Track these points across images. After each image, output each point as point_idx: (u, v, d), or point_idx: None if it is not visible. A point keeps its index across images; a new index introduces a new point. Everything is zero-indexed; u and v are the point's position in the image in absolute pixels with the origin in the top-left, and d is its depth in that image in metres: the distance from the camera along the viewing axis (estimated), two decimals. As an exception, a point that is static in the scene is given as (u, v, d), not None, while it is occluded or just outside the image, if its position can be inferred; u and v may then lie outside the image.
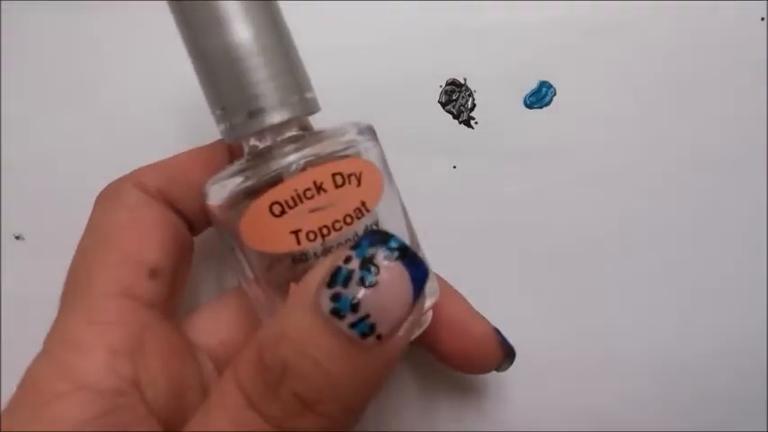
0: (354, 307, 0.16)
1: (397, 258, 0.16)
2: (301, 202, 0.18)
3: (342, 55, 0.28)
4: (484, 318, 0.24)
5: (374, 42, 0.28)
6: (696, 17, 0.28)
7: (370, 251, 0.16)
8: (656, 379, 0.27)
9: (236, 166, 0.19)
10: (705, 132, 0.28)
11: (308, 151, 0.18)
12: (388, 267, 0.16)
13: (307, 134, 0.19)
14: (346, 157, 0.19)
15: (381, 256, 0.16)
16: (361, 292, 0.16)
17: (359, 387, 0.16)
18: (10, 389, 0.19)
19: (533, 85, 0.28)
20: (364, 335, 0.16)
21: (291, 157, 0.18)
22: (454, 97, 0.28)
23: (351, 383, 0.16)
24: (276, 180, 0.18)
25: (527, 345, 0.25)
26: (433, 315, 0.23)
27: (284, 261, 0.19)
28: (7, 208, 0.28)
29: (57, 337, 0.19)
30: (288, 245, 0.18)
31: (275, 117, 0.19)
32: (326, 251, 0.19)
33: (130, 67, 0.28)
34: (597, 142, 0.28)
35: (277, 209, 0.18)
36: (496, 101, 0.28)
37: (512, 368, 0.25)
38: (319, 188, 0.18)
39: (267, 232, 0.18)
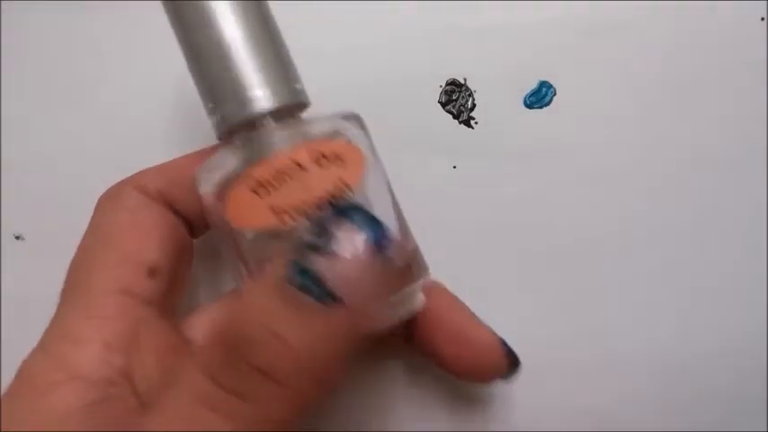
0: (311, 275, 0.16)
1: (351, 222, 0.16)
2: (282, 181, 0.18)
3: (341, 55, 0.28)
4: (489, 328, 0.24)
5: (373, 42, 0.28)
6: (695, 17, 0.28)
7: (325, 219, 0.17)
8: (656, 378, 0.27)
9: (226, 152, 0.19)
10: (705, 132, 0.28)
11: (293, 133, 0.19)
12: (341, 231, 0.16)
13: (293, 121, 0.19)
14: (328, 138, 0.19)
15: (335, 223, 0.16)
16: (317, 260, 0.16)
17: (322, 355, 0.16)
18: (10, 388, 0.19)
19: (533, 85, 0.28)
20: (323, 302, 0.16)
21: (276, 140, 0.19)
22: (454, 97, 0.28)
23: (313, 352, 0.16)
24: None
25: (526, 344, 0.25)
26: (439, 326, 0.24)
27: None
28: (7, 208, 0.28)
29: (53, 332, 0.20)
30: (268, 221, 0.18)
31: (263, 105, 0.19)
32: None
33: (130, 67, 0.28)
34: (597, 142, 0.28)
35: (258, 187, 0.19)
36: (496, 101, 0.28)
37: (512, 368, 0.25)
38: (300, 167, 0.18)
39: (250, 211, 0.19)
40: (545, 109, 0.28)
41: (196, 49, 0.20)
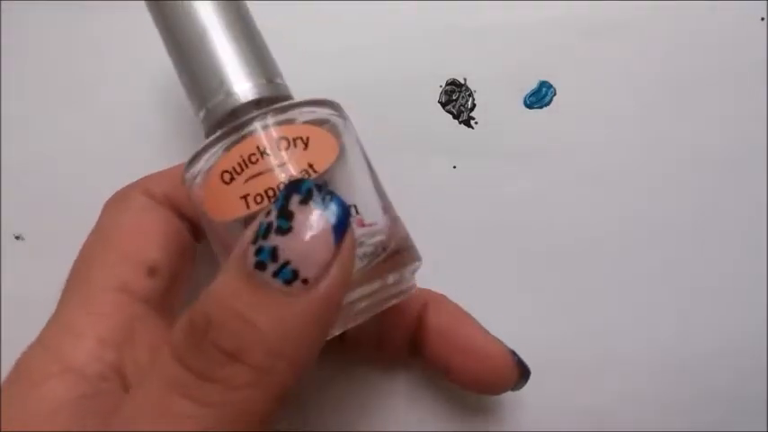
0: (274, 255, 0.16)
1: (310, 200, 0.16)
2: (246, 167, 0.19)
3: (341, 55, 0.28)
4: (498, 340, 0.24)
5: (373, 42, 0.28)
6: (695, 17, 0.28)
7: (285, 199, 0.16)
8: (656, 378, 0.27)
9: (210, 146, 0.20)
10: (705, 132, 0.28)
11: (271, 123, 0.19)
12: (301, 210, 0.16)
13: (273, 112, 0.20)
14: (298, 125, 0.20)
15: (295, 202, 0.16)
16: (278, 240, 0.16)
17: (289, 335, 0.16)
18: (10, 388, 0.19)
19: (533, 85, 0.28)
20: (288, 281, 0.16)
21: (253, 130, 0.19)
22: (454, 97, 0.28)
23: (278, 331, 0.16)
24: None
25: (526, 344, 0.25)
26: (449, 340, 0.24)
27: None
28: (7, 208, 0.28)
29: (51, 326, 0.20)
30: (239, 210, 0.19)
31: (244, 97, 0.20)
32: None
33: (130, 67, 0.28)
34: (597, 142, 0.28)
35: (227, 176, 0.19)
36: (496, 101, 0.28)
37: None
38: (263, 153, 0.19)
39: (222, 200, 0.19)
40: (545, 109, 0.28)
41: (179, 48, 0.21)
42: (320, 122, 0.20)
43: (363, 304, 0.20)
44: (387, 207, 0.21)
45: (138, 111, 0.28)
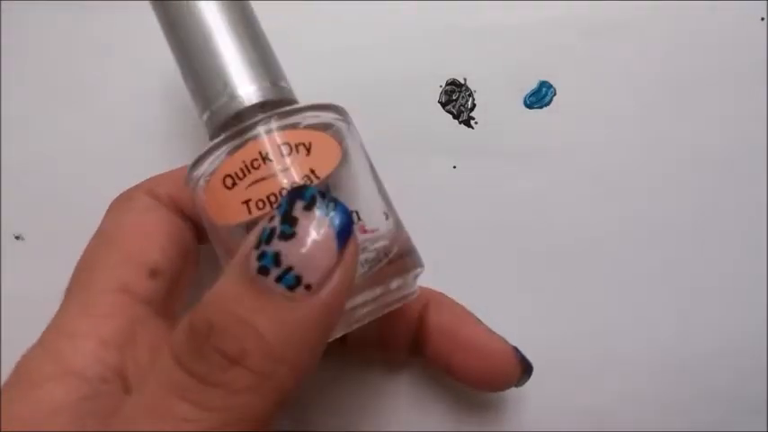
0: (277, 261, 0.16)
1: (314, 206, 0.16)
2: (249, 172, 0.19)
3: (341, 55, 0.28)
4: (501, 337, 0.24)
5: (373, 42, 0.28)
6: (696, 17, 0.28)
7: (288, 205, 0.16)
8: (656, 378, 0.27)
9: (213, 149, 0.20)
10: (705, 132, 0.28)
11: (274, 127, 0.19)
12: (304, 216, 0.16)
13: (277, 116, 0.20)
14: (302, 130, 0.19)
15: (299, 208, 0.16)
16: (282, 245, 0.16)
17: (290, 339, 0.16)
18: (10, 389, 0.19)
19: (533, 85, 0.28)
20: (291, 287, 0.16)
21: (257, 135, 0.19)
22: (454, 97, 0.28)
23: (280, 336, 0.16)
24: None
25: (526, 344, 0.25)
26: (452, 339, 0.24)
27: None
28: (7, 208, 0.28)
29: (52, 328, 0.20)
30: (241, 215, 0.19)
31: (248, 101, 0.20)
32: None
33: (130, 67, 0.28)
34: (597, 142, 0.28)
35: (229, 181, 0.19)
36: (496, 101, 0.28)
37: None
38: (265, 158, 0.19)
39: (223, 205, 0.19)
40: (545, 109, 0.28)
41: (183, 50, 0.21)
42: (324, 127, 0.20)
43: (365, 309, 0.20)
44: (389, 212, 0.21)
45: (138, 111, 0.28)
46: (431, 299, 0.25)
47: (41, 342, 0.20)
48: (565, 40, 0.28)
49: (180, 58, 0.21)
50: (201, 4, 0.20)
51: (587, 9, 0.28)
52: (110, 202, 0.23)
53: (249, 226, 0.19)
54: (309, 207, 0.16)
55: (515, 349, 0.24)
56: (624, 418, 0.27)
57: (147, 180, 0.23)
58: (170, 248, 0.22)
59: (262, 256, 0.16)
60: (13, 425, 0.18)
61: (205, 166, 0.19)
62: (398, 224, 0.21)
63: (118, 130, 0.28)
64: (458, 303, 0.25)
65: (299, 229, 0.16)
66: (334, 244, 0.16)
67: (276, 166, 0.19)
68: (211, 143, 0.19)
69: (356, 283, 0.18)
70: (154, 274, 0.21)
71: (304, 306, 0.16)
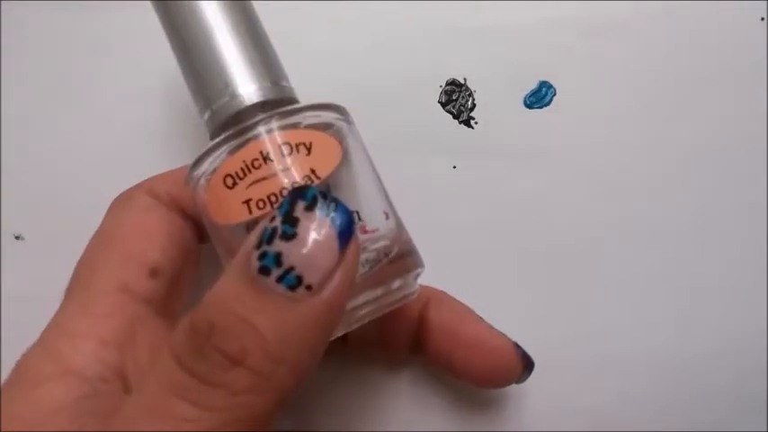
0: (278, 261, 0.16)
1: (315, 207, 0.16)
2: (249, 172, 0.19)
3: (341, 55, 0.28)
4: (502, 333, 0.24)
5: (373, 42, 0.28)
6: (696, 17, 0.28)
7: (290, 205, 0.16)
8: (656, 378, 0.27)
9: (214, 148, 0.20)
10: (705, 132, 0.28)
11: (275, 127, 0.19)
12: (306, 217, 0.16)
13: (278, 116, 0.20)
14: (302, 129, 0.19)
15: (300, 208, 0.16)
16: (283, 245, 0.16)
17: (290, 339, 0.16)
18: (10, 389, 0.19)
19: (533, 85, 0.28)
20: (292, 287, 0.16)
21: (257, 134, 0.19)
22: (454, 97, 0.28)
23: (280, 336, 0.16)
24: None
25: (526, 344, 0.25)
26: (453, 336, 0.24)
27: None
28: (7, 208, 0.28)
29: (52, 327, 0.20)
30: (241, 215, 0.19)
31: (249, 100, 0.20)
32: None
33: (130, 67, 0.28)
34: (597, 142, 0.28)
35: (229, 181, 0.19)
36: (496, 101, 0.28)
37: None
38: (266, 158, 0.19)
39: (224, 205, 0.19)
40: (545, 109, 0.28)
41: (185, 49, 0.21)
42: (324, 127, 0.20)
43: (366, 310, 0.20)
44: (390, 212, 0.21)
45: (138, 111, 0.28)
46: (431, 297, 0.25)
47: (41, 341, 0.20)
48: (565, 40, 0.28)
49: (181, 58, 0.21)
50: (203, 4, 0.20)
51: (587, 9, 0.28)
52: (110, 202, 0.23)
53: (250, 225, 0.19)
54: (311, 207, 0.16)
55: (516, 345, 0.24)
56: (624, 418, 0.27)
57: (148, 179, 0.23)
58: (170, 248, 0.22)
59: (263, 256, 0.16)
60: (13, 424, 0.18)
61: (206, 166, 0.19)
62: (399, 224, 0.21)
63: (118, 130, 0.28)
64: (458, 301, 0.25)
65: (300, 229, 0.16)
66: (335, 244, 0.16)
67: (277, 165, 0.19)
68: (212, 142, 0.19)
69: (357, 284, 0.18)
70: (154, 273, 0.21)
71: (305, 306, 0.16)
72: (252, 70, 0.20)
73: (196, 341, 0.16)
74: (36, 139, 0.28)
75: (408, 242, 0.21)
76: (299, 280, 0.16)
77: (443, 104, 0.28)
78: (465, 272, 0.27)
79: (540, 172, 0.28)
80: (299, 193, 0.17)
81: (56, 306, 0.21)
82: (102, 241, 0.22)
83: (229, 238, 0.20)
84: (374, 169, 0.21)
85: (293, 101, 0.21)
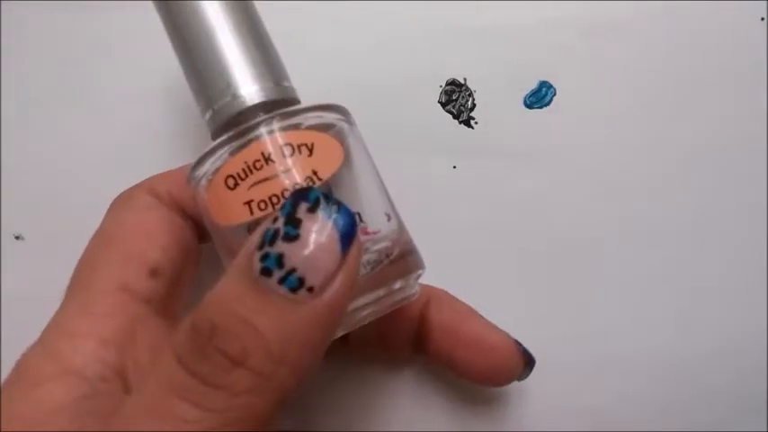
0: (280, 262, 0.16)
1: (318, 209, 0.16)
2: (251, 173, 0.19)
3: (342, 55, 0.28)
4: (502, 330, 0.24)
5: (374, 42, 0.28)
6: (696, 17, 0.28)
7: (292, 207, 0.17)
8: (656, 378, 0.27)
9: (216, 149, 0.20)
10: (705, 132, 0.28)
11: (277, 127, 0.19)
12: (308, 219, 0.16)
13: (280, 116, 0.20)
14: (304, 130, 0.19)
15: (303, 210, 0.16)
16: (285, 247, 0.16)
17: (292, 341, 0.16)
18: (10, 389, 0.19)
19: (533, 85, 0.28)
20: (293, 289, 0.16)
21: (259, 135, 0.19)
22: (454, 97, 0.28)
23: (282, 337, 0.16)
24: None
25: (526, 344, 0.25)
26: (454, 335, 0.24)
27: None
28: (7, 208, 0.28)
29: (52, 327, 0.20)
30: (243, 216, 0.19)
31: (250, 100, 0.20)
32: None
33: (130, 67, 0.28)
34: (597, 142, 0.28)
35: (231, 182, 0.19)
36: (496, 101, 0.28)
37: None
38: (267, 159, 0.19)
39: (226, 206, 0.19)
40: (545, 109, 0.28)
41: (187, 49, 0.21)
42: (326, 127, 0.20)
43: (367, 311, 0.20)
44: (391, 214, 0.21)
45: (138, 110, 0.28)
46: (431, 296, 0.25)
47: (41, 341, 0.20)
48: (565, 40, 0.28)
49: (183, 58, 0.21)
50: (205, 4, 0.20)
51: (587, 9, 0.28)
52: (110, 202, 0.23)
53: (251, 226, 0.19)
54: (313, 209, 0.16)
55: (517, 342, 0.24)
56: (624, 418, 0.27)
57: (148, 179, 0.23)
58: (171, 247, 0.22)
59: (265, 258, 0.16)
60: (13, 424, 0.18)
61: (207, 166, 0.19)
62: (400, 225, 0.21)
63: (118, 130, 0.28)
64: (458, 300, 0.25)
65: (302, 231, 0.16)
66: (337, 246, 0.16)
67: (278, 167, 0.19)
68: (214, 143, 0.19)
69: (358, 285, 0.18)
70: (154, 273, 0.21)
71: (306, 308, 0.16)
72: (254, 70, 0.20)
73: (197, 342, 0.16)
74: (36, 139, 0.28)
75: (409, 243, 0.21)
76: (301, 282, 0.16)
77: (443, 104, 0.28)
78: (465, 272, 0.27)
79: (540, 172, 0.28)
80: (301, 194, 0.17)
81: (56, 306, 0.21)
82: (102, 241, 0.22)
83: (230, 239, 0.20)
84: (376, 170, 0.21)
85: (295, 101, 0.21)
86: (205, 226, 0.21)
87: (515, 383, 0.25)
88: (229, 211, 0.19)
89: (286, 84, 0.21)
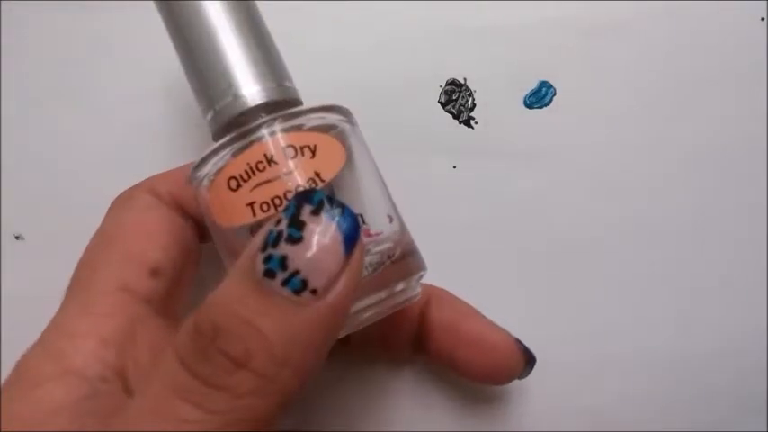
0: (283, 264, 0.16)
1: (321, 211, 0.16)
2: (254, 174, 0.19)
3: (342, 55, 0.28)
4: (503, 329, 0.25)
5: (374, 43, 0.28)
6: (696, 17, 0.28)
7: (296, 209, 0.17)
8: (656, 378, 0.27)
9: (217, 149, 0.20)
10: (705, 132, 0.28)
11: (279, 129, 0.19)
12: (312, 221, 0.16)
13: (282, 117, 0.20)
14: (307, 132, 0.19)
15: (306, 212, 0.16)
16: (289, 249, 0.16)
17: (295, 343, 0.16)
18: (10, 389, 0.19)
19: (533, 85, 0.28)
20: (297, 291, 0.16)
21: (261, 136, 0.19)
22: (454, 97, 0.28)
23: (285, 339, 0.16)
24: None
25: (526, 344, 0.25)
26: (455, 334, 0.24)
27: None
28: (7, 208, 0.28)
29: (52, 327, 0.20)
30: (245, 217, 0.19)
31: (252, 101, 0.20)
32: None
33: (130, 66, 0.28)
34: (597, 142, 0.28)
35: (233, 183, 0.19)
36: (496, 101, 0.28)
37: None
38: (270, 161, 0.19)
39: (228, 207, 0.19)
40: (545, 109, 0.28)
41: (188, 49, 0.21)
42: (328, 128, 0.20)
43: (369, 312, 0.20)
44: (393, 215, 0.21)
45: (138, 110, 0.28)
46: (432, 295, 0.25)
47: (41, 341, 0.20)
48: (565, 40, 0.28)
49: (184, 58, 0.21)
50: (206, 4, 0.20)
51: (587, 9, 0.28)
52: (110, 202, 0.23)
53: (253, 228, 0.19)
54: (317, 211, 0.16)
55: (518, 341, 0.24)
56: (624, 418, 0.27)
57: (149, 179, 0.23)
58: (171, 247, 0.22)
59: (268, 259, 0.16)
60: (13, 424, 0.18)
61: (209, 167, 0.19)
62: (402, 226, 0.21)
63: (118, 130, 0.28)
64: (459, 299, 0.25)
65: (306, 233, 0.16)
66: (340, 249, 0.16)
67: (281, 168, 0.19)
68: (216, 144, 0.19)
69: (360, 287, 0.18)
70: (155, 273, 0.21)
71: (309, 310, 0.16)
72: (255, 71, 0.20)
73: (200, 343, 0.16)
74: (36, 139, 0.28)
75: (411, 244, 0.21)
76: (305, 284, 0.16)
77: (443, 104, 0.28)
78: (465, 272, 0.27)
79: (540, 172, 0.28)
80: (305, 196, 0.17)
81: (56, 306, 0.21)
82: (102, 241, 0.22)
83: (232, 240, 0.20)
84: (378, 171, 0.21)
85: (297, 102, 0.21)
86: (206, 226, 0.21)
87: (516, 383, 0.26)
88: (232, 212, 0.19)
89: (288, 84, 0.21)
